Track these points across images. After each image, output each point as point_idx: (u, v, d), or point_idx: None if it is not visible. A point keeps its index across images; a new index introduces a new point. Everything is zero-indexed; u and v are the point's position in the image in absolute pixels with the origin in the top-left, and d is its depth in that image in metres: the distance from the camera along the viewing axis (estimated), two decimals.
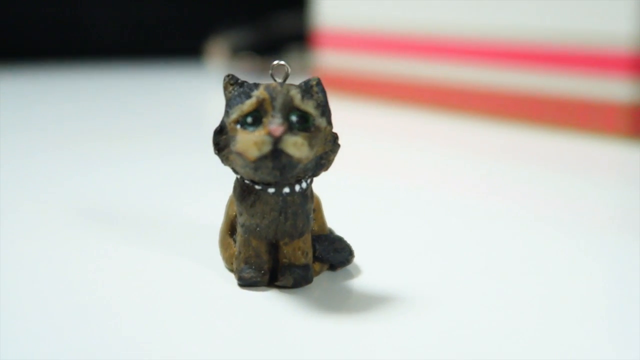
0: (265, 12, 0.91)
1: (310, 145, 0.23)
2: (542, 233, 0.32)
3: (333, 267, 0.26)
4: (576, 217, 0.34)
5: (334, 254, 0.26)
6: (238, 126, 0.23)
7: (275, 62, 0.25)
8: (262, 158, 0.22)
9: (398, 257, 0.28)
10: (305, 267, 0.25)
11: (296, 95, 0.23)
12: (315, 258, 0.26)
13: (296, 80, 0.24)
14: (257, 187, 0.24)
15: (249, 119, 0.23)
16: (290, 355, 0.20)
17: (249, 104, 0.23)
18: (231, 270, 0.26)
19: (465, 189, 0.40)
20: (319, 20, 0.73)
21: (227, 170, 0.25)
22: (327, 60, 0.73)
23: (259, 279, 0.25)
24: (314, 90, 0.24)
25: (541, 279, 0.26)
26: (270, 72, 0.25)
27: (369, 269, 0.27)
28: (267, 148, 0.22)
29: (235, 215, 0.25)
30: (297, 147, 0.22)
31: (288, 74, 0.24)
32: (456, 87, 0.62)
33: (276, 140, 0.22)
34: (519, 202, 0.37)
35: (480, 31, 0.60)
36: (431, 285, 0.26)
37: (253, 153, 0.22)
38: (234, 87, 0.24)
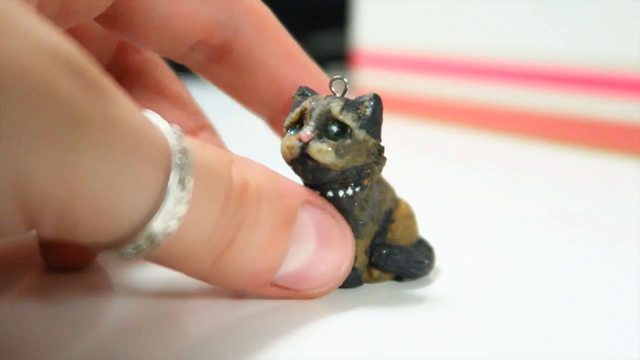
0: (306, 31, 0.93)
1: (338, 154, 0.24)
2: (593, 248, 0.33)
3: (399, 278, 0.27)
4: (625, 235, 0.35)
5: (390, 262, 0.27)
6: (286, 131, 0.25)
7: (336, 77, 0.27)
8: (294, 161, 0.25)
9: (461, 269, 0.29)
10: (352, 269, 0.26)
11: (335, 107, 0.25)
12: (372, 264, 0.27)
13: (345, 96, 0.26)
14: (307, 187, 0.26)
15: (297, 126, 0.25)
16: (331, 347, 0.22)
17: (296, 113, 0.25)
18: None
19: (503, 203, 0.41)
20: (358, 41, 0.75)
21: None
22: (366, 80, 0.74)
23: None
24: (364, 105, 0.25)
25: (588, 292, 0.27)
26: (329, 85, 0.27)
27: (439, 282, 0.27)
28: (296, 152, 0.24)
29: None
30: (321, 153, 0.24)
31: (346, 88, 0.26)
32: (492, 107, 0.63)
33: (304, 146, 0.24)
34: (557, 218, 0.38)
35: (515, 54, 0.60)
36: (491, 297, 0.26)
37: (287, 156, 0.25)
38: (298, 98, 0.26)
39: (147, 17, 0.26)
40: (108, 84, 0.20)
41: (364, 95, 0.25)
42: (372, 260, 0.27)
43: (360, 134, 0.25)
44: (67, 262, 0.27)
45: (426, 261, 0.27)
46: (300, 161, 0.24)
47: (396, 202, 0.28)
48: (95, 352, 0.21)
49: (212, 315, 0.24)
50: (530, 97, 0.60)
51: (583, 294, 0.27)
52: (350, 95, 0.26)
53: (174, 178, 0.20)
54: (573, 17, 0.56)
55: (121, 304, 0.25)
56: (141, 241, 0.20)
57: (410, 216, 0.28)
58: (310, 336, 0.23)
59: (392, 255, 0.27)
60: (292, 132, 0.25)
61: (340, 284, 0.25)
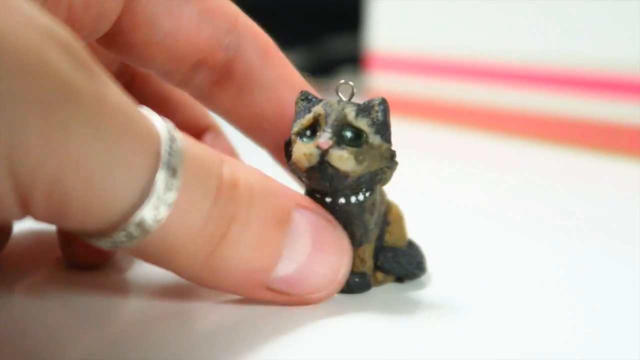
0: (319, 34, 0.93)
1: (357, 160, 0.24)
2: (607, 252, 0.33)
3: (400, 279, 0.28)
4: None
5: (396, 265, 0.27)
6: (298, 138, 0.25)
7: (342, 81, 0.26)
8: (311, 169, 0.24)
9: (469, 273, 0.29)
10: (362, 274, 0.26)
11: (350, 113, 0.25)
12: (377, 268, 0.27)
13: (355, 99, 0.26)
14: (316, 195, 0.25)
15: (308, 132, 0.25)
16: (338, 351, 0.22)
17: (307, 119, 0.25)
18: None
19: (513, 207, 0.41)
20: (372, 43, 0.75)
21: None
22: (379, 83, 0.74)
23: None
24: (374, 109, 0.25)
25: (592, 293, 0.27)
26: (336, 90, 0.26)
27: (441, 284, 0.27)
28: (315, 160, 0.24)
29: None
30: (342, 160, 0.24)
31: (353, 93, 0.26)
32: (505, 110, 0.63)
33: (323, 153, 0.24)
34: (562, 219, 0.38)
35: (527, 57, 0.61)
36: (498, 304, 0.26)
37: (304, 164, 0.24)
38: (303, 103, 0.26)
39: (150, 34, 0.26)
40: (98, 66, 0.20)
41: (372, 99, 0.25)
42: (377, 264, 0.27)
43: (376, 140, 0.25)
44: (86, 260, 0.27)
45: (425, 261, 0.28)
46: (319, 169, 0.24)
47: (389, 204, 0.27)
48: (107, 349, 0.21)
49: (225, 316, 0.24)
50: (543, 100, 0.60)
51: (587, 297, 0.27)
52: (356, 99, 0.26)
53: (164, 163, 0.20)
54: (588, 21, 0.56)
55: (137, 302, 0.25)
56: (131, 228, 0.20)
57: (402, 218, 0.28)
58: (313, 339, 0.23)
59: (397, 258, 0.27)
60: (305, 139, 0.25)
61: (339, 289, 0.25)
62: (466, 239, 0.35)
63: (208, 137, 0.32)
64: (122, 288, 0.26)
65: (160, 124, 0.21)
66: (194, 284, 0.24)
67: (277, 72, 0.28)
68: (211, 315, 0.24)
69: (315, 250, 0.24)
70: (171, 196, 0.21)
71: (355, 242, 0.26)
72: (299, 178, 0.26)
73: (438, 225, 0.37)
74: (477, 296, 0.27)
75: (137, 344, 0.22)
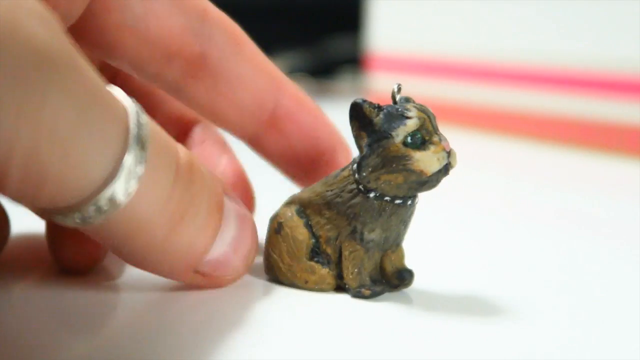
0: (319, 35, 0.93)
1: None
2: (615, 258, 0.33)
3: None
4: None
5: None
6: (406, 146, 0.24)
7: (397, 85, 0.26)
8: (438, 172, 0.24)
9: (455, 270, 0.30)
10: (411, 270, 0.26)
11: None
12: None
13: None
14: (397, 201, 0.25)
15: (409, 139, 0.24)
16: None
17: (412, 124, 0.25)
18: (321, 290, 0.26)
19: (513, 207, 0.41)
20: (372, 44, 0.75)
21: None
22: (379, 83, 0.74)
23: (385, 288, 0.26)
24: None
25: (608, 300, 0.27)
26: (393, 96, 0.26)
27: (441, 284, 0.27)
28: (444, 162, 0.24)
29: (313, 240, 0.26)
30: (456, 158, 0.25)
31: (399, 91, 0.26)
32: (505, 110, 0.63)
33: (448, 154, 0.25)
34: (565, 220, 0.38)
35: (528, 57, 0.61)
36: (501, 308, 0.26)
37: (434, 168, 0.24)
38: (376, 110, 0.25)
39: (122, 17, 0.25)
40: (71, 39, 0.20)
41: (408, 98, 0.26)
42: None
43: None
44: (76, 263, 0.27)
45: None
46: (444, 170, 0.24)
47: None
48: (96, 354, 0.21)
49: (216, 320, 0.24)
50: (543, 100, 0.60)
51: (587, 296, 0.27)
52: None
53: (133, 136, 0.21)
54: (588, 21, 0.57)
55: (126, 307, 0.25)
56: (102, 202, 0.20)
57: None
58: (314, 340, 0.23)
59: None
60: (415, 146, 0.24)
61: (247, 271, 0.25)
62: (466, 238, 0.35)
63: (197, 129, 0.31)
64: (111, 293, 0.26)
65: (126, 99, 0.21)
66: (136, 267, 0.24)
67: (251, 61, 0.28)
68: (201, 320, 0.24)
69: (238, 233, 0.25)
70: (140, 169, 0.21)
71: (403, 240, 0.26)
72: (376, 189, 0.25)
73: (438, 225, 0.37)
74: (478, 296, 0.27)
75: (126, 348, 0.22)
